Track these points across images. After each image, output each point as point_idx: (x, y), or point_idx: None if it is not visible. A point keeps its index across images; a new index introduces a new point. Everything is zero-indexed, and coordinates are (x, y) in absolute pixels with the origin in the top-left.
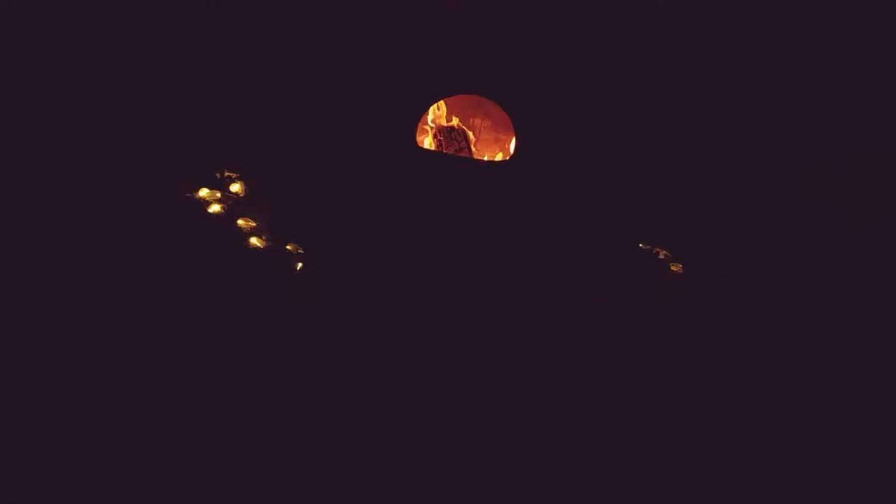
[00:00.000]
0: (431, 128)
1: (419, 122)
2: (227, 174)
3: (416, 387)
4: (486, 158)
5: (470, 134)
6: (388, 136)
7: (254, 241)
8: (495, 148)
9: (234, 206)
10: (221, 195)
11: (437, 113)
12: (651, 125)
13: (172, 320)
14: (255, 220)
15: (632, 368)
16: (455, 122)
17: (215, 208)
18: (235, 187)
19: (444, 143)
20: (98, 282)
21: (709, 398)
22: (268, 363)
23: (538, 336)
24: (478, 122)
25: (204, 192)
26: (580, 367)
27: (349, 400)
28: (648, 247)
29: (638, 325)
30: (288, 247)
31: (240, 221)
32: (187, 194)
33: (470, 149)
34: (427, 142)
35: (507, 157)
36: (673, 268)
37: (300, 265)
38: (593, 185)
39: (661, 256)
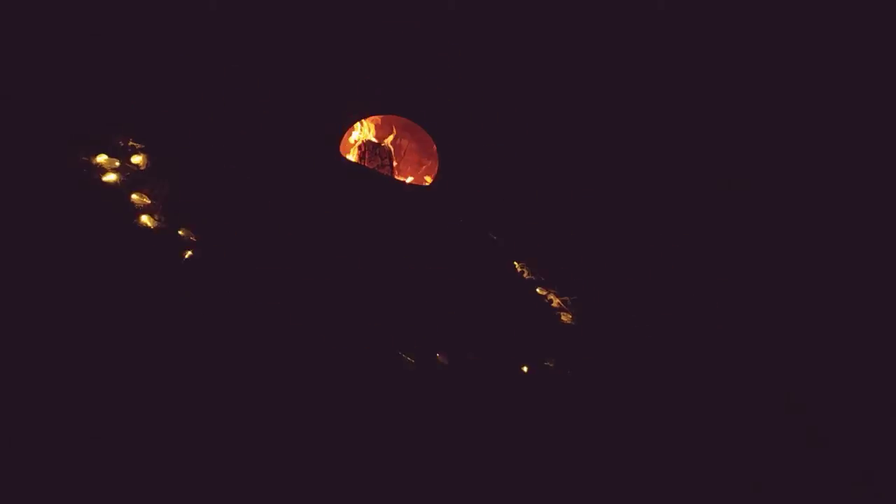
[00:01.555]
0: (356, 141)
1: (347, 132)
2: (131, 143)
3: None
4: (406, 180)
5: (392, 153)
6: (313, 140)
7: (144, 219)
8: (416, 171)
9: (133, 178)
10: (120, 164)
11: (365, 127)
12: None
13: (40, 289)
14: (150, 198)
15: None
16: (388, 140)
17: (111, 177)
18: (137, 159)
19: (367, 156)
20: None
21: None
22: (130, 346)
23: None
24: (405, 143)
25: (102, 159)
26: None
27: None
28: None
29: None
30: (180, 231)
31: (134, 196)
32: (83, 157)
33: (391, 167)
34: (351, 153)
35: (424, 183)
36: (563, 318)
37: (188, 253)
38: (497, 227)
39: (554, 302)
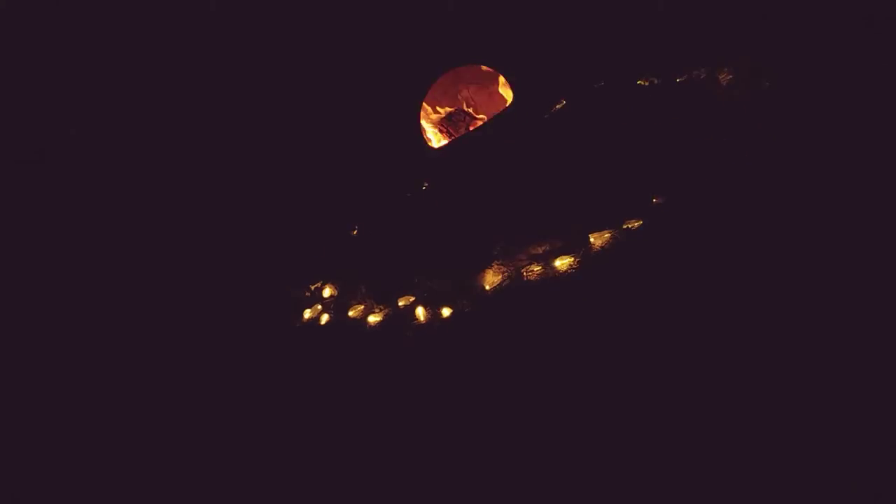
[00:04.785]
0: (436, 128)
1: (417, 128)
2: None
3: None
4: (495, 114)
5: (465, 106)
6: (400, 149)
7: None
8: (493, 101)
9: None
10: None
11: (427, 109)
12: None
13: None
14: None
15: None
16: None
17: None
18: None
19: (452, 130)
20: None
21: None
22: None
23: None
24: (464, 93)
25: None
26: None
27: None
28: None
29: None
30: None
31: None
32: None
33: (472, 118)
34: (436, 140)
35: (510, 99)
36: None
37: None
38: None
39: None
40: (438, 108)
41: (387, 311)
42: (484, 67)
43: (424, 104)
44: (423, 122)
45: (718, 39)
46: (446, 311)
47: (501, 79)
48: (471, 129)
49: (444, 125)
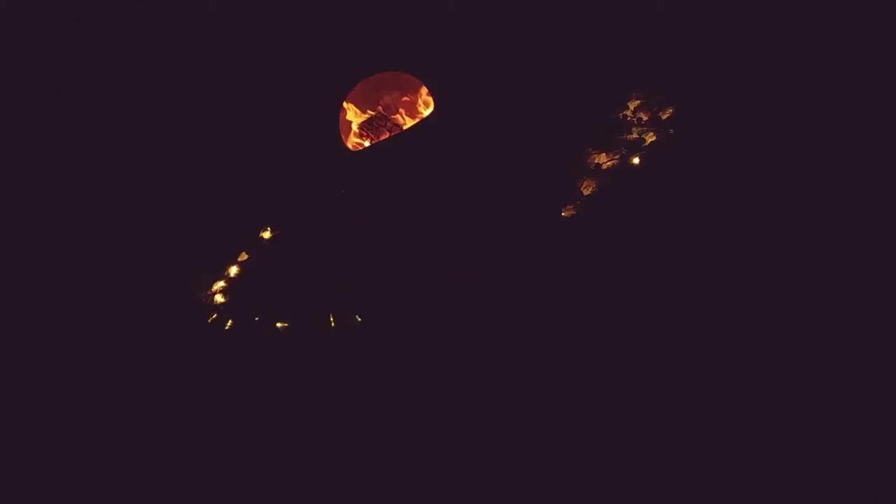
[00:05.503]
0: (355, 132)
1: (344, 127)
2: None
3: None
4: (416, 121)
5: (386, 112)
6: (321, 150)
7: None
8: (414, 108)
9: None
10: None
11: (351, 111)
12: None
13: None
14: None
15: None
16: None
17: None
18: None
19: (372, 135)
20: None
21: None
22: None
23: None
24: (386, 99)
25: None
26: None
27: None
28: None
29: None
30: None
31: None
32: None
33: (397, 123)
34: (354, 141)
35: (431, 108)
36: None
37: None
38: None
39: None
40: (359, 111)
41: (295, 316)
42: (406, 76)
43: (346, 104)
44: (343, 123)
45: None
46: (358, 318)
47: (424, 89)
48: (390, 135)
49: (363, 129)
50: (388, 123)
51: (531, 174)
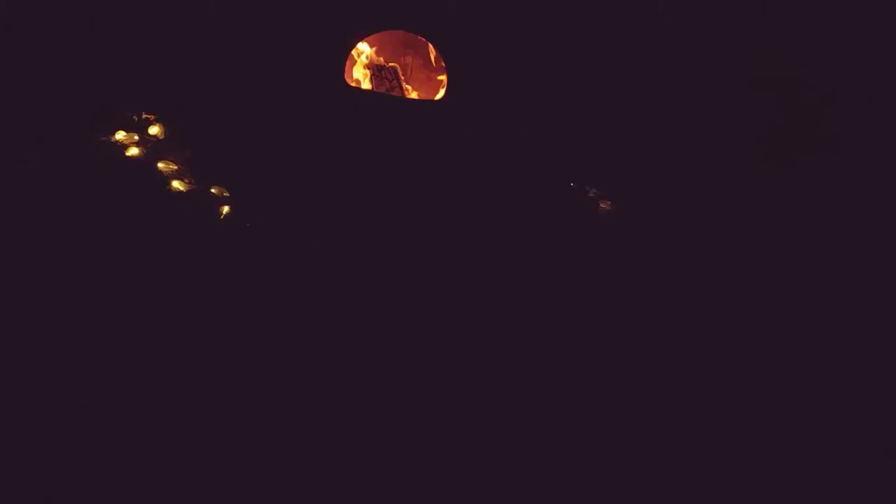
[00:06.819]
0: (365, 63)
1: (347, 59)
2: (144, 116)
3: (349, 344)
4: (416, 97)
5: (400, 72)
6: (315, 74)
7: (176, 184)
8: (427, 87)
9: (154, 148)
10: (139, 138)
11: (365, 51)
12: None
13: (97, 271)
14: (175, 163)
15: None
16: (384, 61)
17: (133, 151)
18: (154, 129)
19: (374, 82)
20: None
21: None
22: (196, 315)
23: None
24: (409, 60)
25: (121, 136)
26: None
27: (282, 358)
28: (579, 186)
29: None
30: (212, 189)
31: (160, 164)
32: (102, 138)
33: (401, 88)
34: (361, 80)
35: (439, 97)
36: (602, 205)
37: (226, 208)
38: (525, 128)
39: (591, 195)
40: (375, 55)
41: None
42: (435, 53)
43: (360, 45)
44: (355, 58)
45: None
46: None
47: (444, 78)
48: (389, 93)
49: (372, 70)
50: (395, 82)
51: (531, 175)
